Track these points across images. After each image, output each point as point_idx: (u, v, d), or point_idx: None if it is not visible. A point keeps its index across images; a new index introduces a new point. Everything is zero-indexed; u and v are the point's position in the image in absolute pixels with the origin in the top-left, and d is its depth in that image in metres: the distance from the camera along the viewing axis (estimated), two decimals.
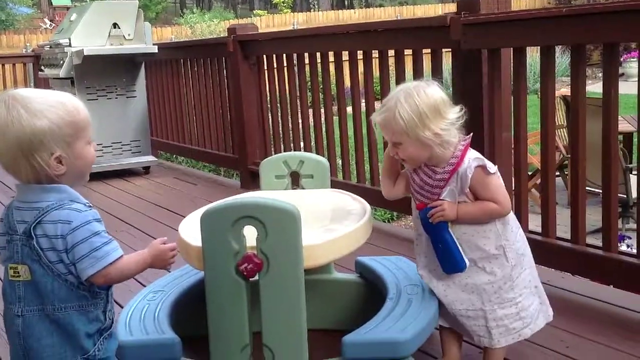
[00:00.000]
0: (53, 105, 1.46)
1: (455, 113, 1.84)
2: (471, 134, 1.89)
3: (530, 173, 5.39)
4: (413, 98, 1.81)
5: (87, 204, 1.50)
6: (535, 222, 2.85)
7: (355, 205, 2.15)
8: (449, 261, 1.89)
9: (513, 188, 2.92)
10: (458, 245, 1.88)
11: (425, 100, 1.80)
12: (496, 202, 1.84)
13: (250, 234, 1.71)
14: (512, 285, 1.89)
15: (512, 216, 1.93)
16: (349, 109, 3.99)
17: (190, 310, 2.11)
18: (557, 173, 5.71)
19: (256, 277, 1.74)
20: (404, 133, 1.81)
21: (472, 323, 1.92)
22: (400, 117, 1.80)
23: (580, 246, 2.61)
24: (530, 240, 2.71)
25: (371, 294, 2.28)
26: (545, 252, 2.70)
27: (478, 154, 1.87)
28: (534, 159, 5.37)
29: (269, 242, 1.69)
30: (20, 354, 1.50)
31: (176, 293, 2.19)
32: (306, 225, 1.82)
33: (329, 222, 2.03)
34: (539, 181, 4.37)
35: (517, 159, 2.85)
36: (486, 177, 1.84)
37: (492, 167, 1.84)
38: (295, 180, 2.40)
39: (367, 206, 2.10)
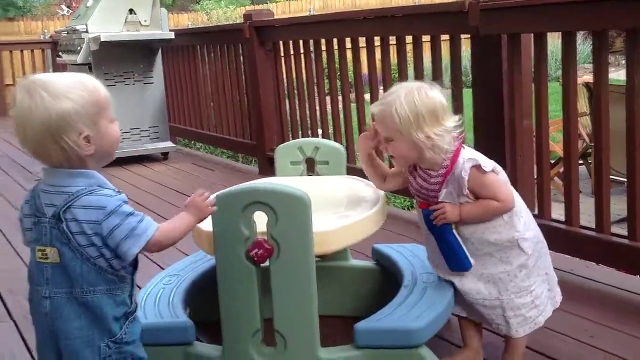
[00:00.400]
0: (73, 85, 1.46)
1: (452, 121, 1.81)
2: (463, 133, 1.85)
3: (553, 161, 5.33)
4: (413, 97, 1.78)
5: (115, 189, 1.51)
6: (558, 211, 2.83)
7: (369, 192, 2.14)
8: (454, 261, 1.89)
9: (535, 176, 2.89)
10: (462, 245, 1.87)
11: (425, 102, 1.78)
12: (497, 199, 1.82)
13: (261, 219, 1.71)
14: (527, 274, 1.87)
15: (521, 206, 1.90)
16: (367, 96, 3.97)
17: (205, 295, 2.11)
18: (581, 161, 5.65)
19: (267, 263, 1.74)
20: (397, 130, 1.79)
21: (489, 312, 1.90)
22: (396, 114, 1.77)
23: (605, 235, 2.58)
24: (553, 229, 2.72)
25: (388, 281, 2.28)
26: (569, 241, 2.68)
27: (472, 153, 1.84)
28: (557, 147, 5.31)
29: (279, 228, 1.69)
30: (48, 335, 1.51)
31: (192, 277, 2.20)
32: (319, 211, 1.82)
33: (342, 208, 2.02)
34: (562, 169, 4.32)
35: (538, 147, 2.82)
36: (482, 176, 1.81)
37: (487, 165, 1.81)
38: (311, 167, 2.38)
39: (382, 193, 2.09)
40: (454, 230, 1.86)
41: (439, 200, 1.84)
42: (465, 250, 1.87)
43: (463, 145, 1.85)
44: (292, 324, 1.76)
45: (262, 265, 1.75)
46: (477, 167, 1.80)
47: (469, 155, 1.83)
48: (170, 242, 1.54)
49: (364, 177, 2.30)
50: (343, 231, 1.83)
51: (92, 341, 1.49)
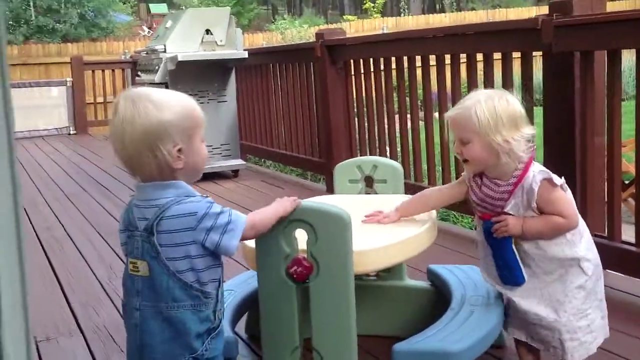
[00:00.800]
0: (174, 100, 1.54)
1: (530, 130, 1.81)
2: (534, 148, 1.84)
3: (627, 182, 5.16)
4: (493, 101, 1.79)
5: (205, 196, 1.55)
6: (630, 233, 2.73)
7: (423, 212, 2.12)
8: (508, 276, 1.87)
9: (606, 195, 2.81)
10: (519, 260, 1.84)
11: (504, 107, 1.79)
12: (563, 215, 1.79)
13: (304, 237, 1.73)
14: (586, 296, 1.83)
15: (582, 226, 1.86)
16: (436, 115, 3.94)
17: (256, 310, 2.14)
18: None
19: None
20: (476, 132, 1.79)
21: (546, 333, 1.86)
22: (475, 116, 1.78)
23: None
24: (623, 251, 2.64)
25: (440, 302, 2.25)
26: (639, 263, 2.59)
27: (542, 167, 1.83)
28: (631, 167, 5.14)
29: (319, 246, 1.70)
30: (134, 346, 1.55)
31: (245, 293, 2.22)
32: (365, 230, 1.82)
33: (391, 228, 2.01)
34: (634, 190, 4.17)
35: (609, 165, 2.75)
36: (552, 189, 1.79)
37: (558, 180, 1.79)
38: (370, 185, 2.39)
39: (434, 214, 2.08)
40: (513, 245, 1.84)
41: (505, 211, 1.82)
42: (521, 265, 1.85)
43: (533, 160, 1.84)
44: (329, 343, 1.76)
45: (304, 283, 1.75)
46: (549, 180, 1.78)
47: (540, 168, 1.82)
48: (264, 225, 1.64)
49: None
50: (383, 251, 1.83)
51: (174, 356, 1.51)
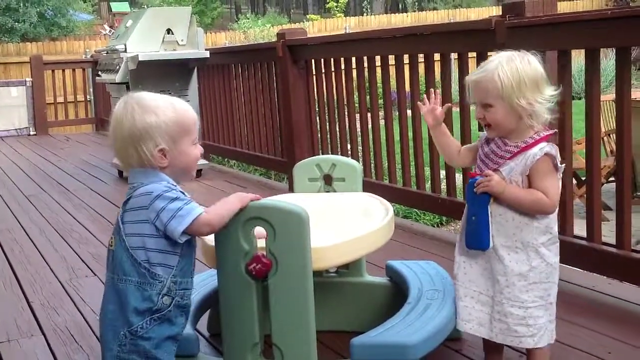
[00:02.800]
0: (163, 105, 1.68)
1: (551, 91, 1.80)
2: (556, 130, 1.88)
3: (584, 178, 5.30)
4: (515, 63, 1.78)
5: (174, 185, 1.65)
6: (579, 227, 2.83)
7: (380, 209, 2.17)
8: (474, 235, 1.87)
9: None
10: (490, 224, 1.84)
11: (527, 69, 1.78)
12: (547, 194, 1.79)
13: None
14: (527, 287, 1.84)
15: (554, 228, 1.87)
16: (396, 113, 4.01)
17: (216, 308, 2.17)
18: (613, 178, 5.60)
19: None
20: (499, 96, 1.78)
21: (479, 308, 1.90)
22: (499, 79, 1.76)
23: (626, 251, 2.58)
24: (575, 246, 2.72)
25: (398, 297, 2.30)
26: (591, 257, 2.68)
27: (554, 147, 1.83)
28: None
29: (278, 243, 1.73)
30: (100, 310, 1.71)
31: (205, 292, 2.25)
32: (323, 227, 1.87)
33: (348, 224, 2.05)
34: None
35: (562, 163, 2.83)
36: (550, 167, 1.80)
37: (559, 163, 1.81)
38: (329, 183, 2.43)
39: (391, 211, 2.12)
40: (489, 207, 1.84)
41: (499, 169, 1.83)
42: (491, 230, 1.85)
43: (549, 140, 1.83)
44: (289, 338, 1.79)
45: (263, 280, 1.78)
46: (552, 157, 1.80)
47: (551, 146, 1.82)
48: (220, 221, 1.69)
49: (378, 193, 2.34)
50: (341, 247, 1.86)
51: (116, 326, 1.64)
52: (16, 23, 15.89)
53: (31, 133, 9.54)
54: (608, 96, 5.47)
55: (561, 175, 1.85)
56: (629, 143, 2.53)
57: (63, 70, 9.86)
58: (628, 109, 2.52)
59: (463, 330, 1.97)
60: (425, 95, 2.02)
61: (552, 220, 1.86)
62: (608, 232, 2.74)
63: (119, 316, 1.63)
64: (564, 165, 1.85)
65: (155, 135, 1.64)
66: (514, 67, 1.77)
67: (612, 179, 5.47)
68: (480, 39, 3.17)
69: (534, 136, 1.81)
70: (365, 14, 19.51)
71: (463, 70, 3.42)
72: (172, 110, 1.67)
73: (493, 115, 1.81)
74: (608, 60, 10.20)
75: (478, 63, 3.27)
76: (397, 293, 2.33)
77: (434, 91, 2.03)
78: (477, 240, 1.87)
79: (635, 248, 2.66)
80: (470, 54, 3.42)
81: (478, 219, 1.85)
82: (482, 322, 1.91)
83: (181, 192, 1.65)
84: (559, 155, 1.82)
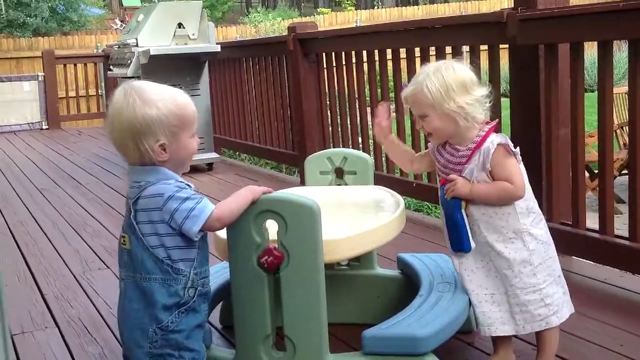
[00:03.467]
0: (165, 97, 1.63)
1: (481, 91, 1.88)
2: (497, 119, 1.93)
3: (597, 171, 5.27)
4: (441, 72, 1.87)
5: (180, 181, 1.65)
6: (592, 220, 2.82)
7: (391, 202, 2.18)
8: (455, 239, 1.93)
9: (571, 184, 2.88)
10: (467, 225, 1.91)
11: (452, 75, 1.86)
12: (511, 182, 1.86)
13: (275, 227, 1.77)
14: (534, 271, 1.90)
15: (535, 206, 1.94)
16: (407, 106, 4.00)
17: (229, 300, 2.18)
18: (626, 171, 5.58)
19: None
20: (431, 105, 1.87)
21: (496, 309, 1.93)
22: (427, 90, 1.86)
23: (638, 244, 2.56)
24: (587, 238, 2.71)
25: (409, 290, 2.30)
26: (603, 250, 2.67)
27: (503, 136, 1.90)
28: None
29: (289, 236, 1.74)
30: (119, 312, 1.71)
31: (217, 284, 2.25)
32: (334, 220, 1.87)
33: (359, 217, 2.06)
34: None
35: (573, 155, 2.82)
36: (506, 155, 1.87)
37: (513, 148, 1.87)
38: (341, 176, 2.44)
39: (402, 203, 2.12)
40: (463, 210, 1.91)
41: (462, 175, 1.89)
42: (469, 232, 1.92)
43: (494, 130, 1.91)
44: (301, 330, 1.80)
45: (275, 272, 1.79)
46: (505, 146, 1.86)
47: (501, 136, 1.89)
48: (231, 216, 1.69)
49: (390, 186, 2.34)
50: (352, 240, 1.87)
51: (144, 324, 1.64)
52: (28, 18, 15.98)
53: (43, 127, 9.60)
54: (621, 88, 5.44)
55: (520, 158, 1.89)
56: None
57: (75, 65, 9.90)
58: None
59: (488, 335, 1.98)
60: (377, 108, 2.09)
61: (530, 200, 1.92)
62: (621, 225, 2.73)
63: (145, 314, 1.63)
64: (518, 148, 1.89)
65: (156, 129, 1.60)
66: (440, 76, 1.86)
67: (625, 171, 5.45)
68: (492, 31, 3.16)
69: (479, 134, 1.88)
70: (376, 7, 19.45)
71: (475, 63, 3.40)
72: (173, 104, 1.63)
73: (430, 124, 1.90)
74: (621, 52, 10.15)
75: (490, 56, 3.27)
76: (408, 286, 2.34)
77: (382, 104, 2.11)
78: (458, 244, 1.93)
79: None
80: (482, 47, 3.41)
81: (454, 223, 1.92)
82: (505, 321, 1.94)
83: (187, 185, 1.65)
84: (509, 141, 1.87)
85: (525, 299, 1.90)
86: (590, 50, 7.08)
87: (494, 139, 1.87)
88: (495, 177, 1.88)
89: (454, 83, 1.85)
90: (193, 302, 1.67)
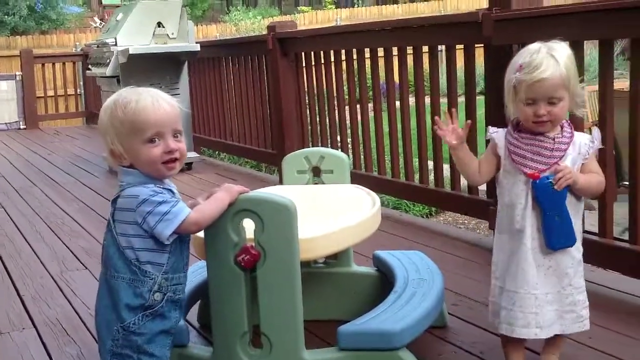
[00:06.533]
0: (124, 103, 1.64)
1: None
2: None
3: None
4: (559, 51, 1.77)
5: (159, 185, 1.66)
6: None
7: (367, 200, 2.20)
8: (563, 234, 1.81)
9: None
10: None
11: (569, 54, 1.79)
12: (600, 175, 1.84)
13: (252, 226, 1.79)
14: (581, 272, 1.87)
15: None
16: (385, 105, 4.04)
17: (208, 300, 2.19)
18: None
19: None
20: (566, 88, 1.76)
21: (550, 309, 1.84)
22: (566, 70, 1.74)
23: (608, 240, 2.61)
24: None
25: (385, 286, 2.33)
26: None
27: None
28: None
29: (266, 235, 1.76)
30: (95, 307, 1.74)
31: (195, 283, 2.27)
32: (312, 219, 1.90)
33: (335, 216, 2.08)
34: None
35: None
36: (594, 150, 1.84)
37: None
38: (317, 175, 2.46)
39: (378, 202, 2.15)
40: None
41: (561, 163, 1.79)
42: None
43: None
44: (277, 327, 1.83)
45: (252, 271, 1.81)
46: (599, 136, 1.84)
47: (597, 131, 1.86)
48: (208, 219, 1.71)
49: (367, 185, 2.37)
50: (328, 237, 1.89)
51: (110, 322, 1.66)
52: (6, 16, 15.81)
53: (21, 127, 9.52)
54: (594, 87, 5.52)
55: None
56: (611, 133, 2.57)
57: (53, 64, 9.82)
58: (611, 98, 2.56)
59: (535, 337, 1.88)
60: (446, 116, 1.95)
61: None
62: (595, 222, 2.78)
63: (112, 312, 1.65)
64: None
65: (109, 134, 1.66)
66: (562, 55, 1.76)
67: None
68: (468, 31, 3.20)
69: (563, 123, 1.82)
70: (356, 6, 19.49)
71: (451, 62, 3.45)
72: (127, 109, 1.63)
73: (562, 110, 1.78)
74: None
75: (466, 55, 3.31)
76: (384, 282, 2.37)
77: (452, 111, 1.98)
78: (567, 237, 1.82)
79: (620, 237, 2.70)
80: (458, 46, 3.45)
81: (563, 215, 1.80)
82: (554, 321, 1.86)
83: (169, 190, 1.66)
84: None
85: (577, 298, 1.87)
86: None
87: (594, 134, 1.83)
88: (587, 169, 1.82)
89: (574, 63, 1.78)
90: (161, 307, 1.67)
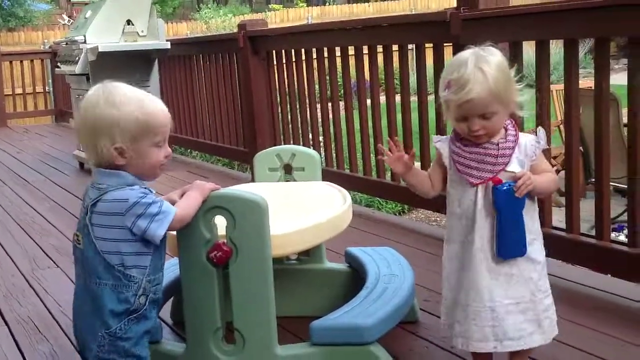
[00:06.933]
0: (132, 102, 1.61)
1: (513, 73, 1.73)
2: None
3: None
4: (491, 62, 1.67)
5: (144, 187, 1.65)
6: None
7: (338, 197, 2.23)
8: (514, 241, 1.72)
9: None
10: None
11: (502, 62, 1.70)
12: (552, 172, 1.80)
13: (224, 223, 1.81)
14: (545, 274, 1.79)
15: None
16: (356, 103, 4.07)
17: (179, 296, 2.21)
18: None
19: None
20: (500, 102, 1.67)
21: (523, 318, 1.74)
22: (495, 85, 1.64)
23: (574, 235, 2.68)
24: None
25: (357, 282, 2.36)
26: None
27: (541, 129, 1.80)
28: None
29: (238, 231, 1.79)
30: (74, 308, 1.71)
31: (167, 280, 2.27)
32: (283, 215, 1.93)
33: (307, 212, 2.11)
34: None
35: None
36: (541, 148, 1.77)
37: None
38: (289, 172, 2.48)
39: (349, 199, 2.18)
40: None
41: (507, 169, 1.71)
42: None
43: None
44: (250, 323, 1.85)
45: (224, 267, 1.84)
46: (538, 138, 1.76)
47: (541, 131, 1.78)
48: (190, 217, 1.75)
49: (338, 182, 2.40)
50: (300, 234, 1.92)
51: (94, 328, 1.63)
52: None
53: None
54: (560, 85, 5.61)
55: None
56: (577, 132, 2.63)
57: (21, 62, 9.70)
58: (576, 97, 2.62)
59: (519, 349, 1.77)
60: (389, 144, 1.86)
61: None
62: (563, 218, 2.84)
63: (96, 318, 1.63)
64: None
65: (114, 131, 1.59)
66: (493, 66, 1.66)
67: None
68: (437, 30, 3.24)
69: (507, 124, 1.74)
70: (327, 4, 19.53)
71: (420, 61, 3.49)
72: (139, 109, 1.61)
73: (497, 124, 1.71)
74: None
75: (435, 54, 3.36)
76: (355, 278, 2.40)
77: (395, 140, 1.89)
78: (518, 247, 1.73)
79: (588, 233, 2.76)
80: (427, 45, 3.50)
81: (517, 223, 1.71)
82: (532, 330, 1.76)
83: (150, 190, 1.66)
84: None
85: (547, 303, 1.78)
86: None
87: (540, 134, 1.75)
88: (539, 169, 1.75)
89: (507, 70, 1.69)
90: (144, 309, 1.67)
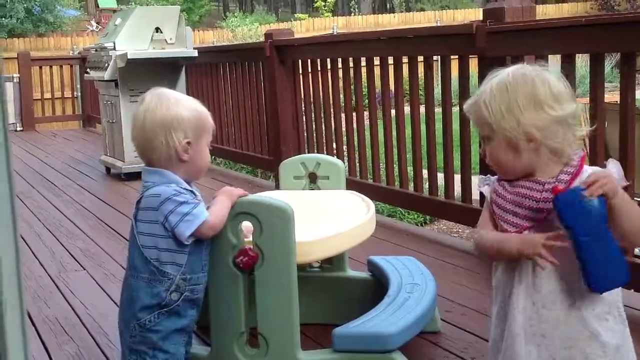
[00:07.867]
0: (192, 103, 1.78)
1: (561, 109, 1.33)
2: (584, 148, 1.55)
3: None
4: (506, 80, 1.36)
5: (183, 187, 1.72)
6: None
7: (362, 206, 2.26)
8: (610, 266, 1.29)
9: None
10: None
11: (520, 83, 1.34)
12: None
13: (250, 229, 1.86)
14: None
15: None
16: (381, 113, 4.10)
17: (206, 301, 2.24)
18: None
19: None
20: (488, 124, 1.37)
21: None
22: (484, 104, 1.37)
23: None
24: None
25: (379, 291, 2.39)
26: None
27: (615, 163, 1.39)
28: None
29: (264, 237, 1.83)
30: (120, 301, 1.82)
31: None
32: (308, 223, 1.96)
33: (331, 221, 2.14)
34: None
35: None
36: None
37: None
38: (314, 181, 2.52)
39: (372, 207, 2.21)
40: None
41: (546, 220, 1.35)
42: None
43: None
44: (274, 328, 1.89)
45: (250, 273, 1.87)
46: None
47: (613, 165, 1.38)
48: (221, 225, 1.79)
49: (362, 191, 2.42)
50: (324, 242, 1.96)
51: (128, 318, 1.73)
52: (3, 19, 15.85)
53: (18, 129, 9.55)
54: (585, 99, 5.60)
55: None
56: (601, 144, 2.63)
57: (50, 67, 9.87)
58: (602, 109, 2.62)
59: None
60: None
61: None
62: None
63: (130, 309, 1.73)
64: None
65: (186, 126, 1.72)
66: (503, 85, 1.36)
67: None
68: (462, 43, 3.27)
69: (573, 158, 1.37)
70: (353, 14, 19.59)
71: (445, 72, 3.52)
72: (197, 110, 1.77)
73: (490, 152, 1.41)
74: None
75: (460, 65, 3.38)
76: (377, 287, 2.42)
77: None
78: (616, 272, 1.31)
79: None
80: (452, 57, 3.52)
81: (607, 243, 1.29)
82: None
83: (191, 191, 1.73)
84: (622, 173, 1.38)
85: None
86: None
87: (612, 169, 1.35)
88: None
89: (521, 95, 1.33)
90: (177, 306, 1.73)
